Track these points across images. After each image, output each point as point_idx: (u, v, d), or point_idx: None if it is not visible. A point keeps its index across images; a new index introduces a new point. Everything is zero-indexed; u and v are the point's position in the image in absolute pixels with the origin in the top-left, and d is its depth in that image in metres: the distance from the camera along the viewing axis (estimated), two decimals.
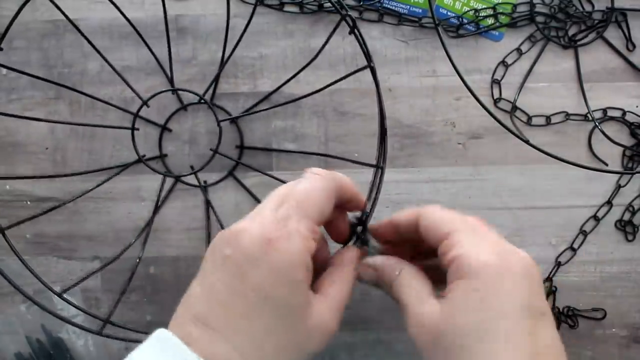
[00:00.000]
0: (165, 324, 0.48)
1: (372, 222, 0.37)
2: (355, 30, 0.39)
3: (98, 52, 0.45)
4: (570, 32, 0.48)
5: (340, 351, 0.49)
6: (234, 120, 0.49)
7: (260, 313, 0.28)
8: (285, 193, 0.31)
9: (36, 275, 0.42)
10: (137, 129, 0.47)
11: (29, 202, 0.49)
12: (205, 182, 0.49)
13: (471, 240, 0.29)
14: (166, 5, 0.48)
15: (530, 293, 0.27)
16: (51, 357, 0.49)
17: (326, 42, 0.43)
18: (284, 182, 0.48)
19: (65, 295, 0.44)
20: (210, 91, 0.48)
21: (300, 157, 0.49)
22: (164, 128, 0.49)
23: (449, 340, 0.27)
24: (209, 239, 0.49)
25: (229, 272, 0.28)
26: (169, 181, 0.49)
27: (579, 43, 0.48)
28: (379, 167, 0.37)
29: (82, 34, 0.45)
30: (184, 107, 0.49)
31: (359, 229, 0.36)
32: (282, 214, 0.29)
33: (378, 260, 0.34)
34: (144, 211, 0.49)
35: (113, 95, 0.49)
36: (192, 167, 0.49)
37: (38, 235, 0.50)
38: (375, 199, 0.37)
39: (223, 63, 0.47)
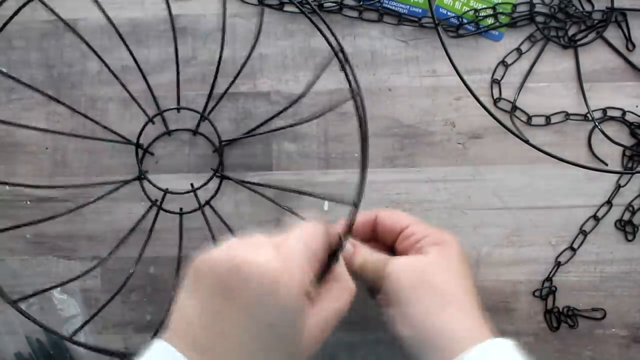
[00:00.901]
0: (164, 324, 0.48)
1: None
2: (346, 68, 0.40)
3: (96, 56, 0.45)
4: (570, 32, 0.48)
5: (341, 351, 0.49)
6: (217, 149, 0.48)
7: (263, 343, 0.30)
8: (285, 232, 0.34)
9: None
10: (142, 145, 0.47)
11: (29, 202, 0.49)
12: (181, 209, 0.49)
13: (428, 226, 0.41)
14: (164, 5, 0.48)
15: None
16: (51, 357, 0.49)
17: (317, 78, 0.43)
18: (268, 197, 0.48)
19: (64, 296, 0.44)
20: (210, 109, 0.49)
21: (300, 158, 0.49)
22: (145, 150, 0.49)
23: (435, 278, 0.37)
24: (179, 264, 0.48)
25: (235, 306, 0.29)
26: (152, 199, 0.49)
27: (578, 43, 0.48)
28: (354, 205, 0.39)
29: (80, 36, 0.45)
30: (167, 133, 0.49)
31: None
32: (285, 252, 0.31)
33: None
34: (144, 211, 0.49)
35: (113, 95, 0.49)
36: (192, 185, 0.49)
37: (38, 235, 0.50)
38: (349, 232, 0.39)
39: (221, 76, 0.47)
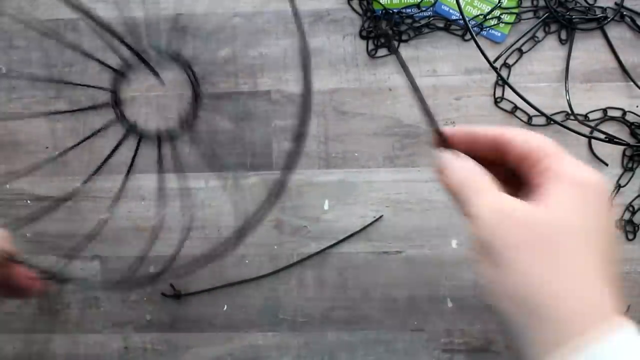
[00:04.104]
0: (164, 323, 0.48)
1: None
2: None
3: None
4: (572, 33, 0.48)
5: (341, 351, 0.49)
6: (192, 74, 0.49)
7: None
8: None
9: None
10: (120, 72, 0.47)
11: (29, 201, 0.49)
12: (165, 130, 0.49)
13: (569, 158, 0.29)
14: (165, 5, 0.48)
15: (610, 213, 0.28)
16: None
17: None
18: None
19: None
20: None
21: (300, 157, 0.49)
22: (119, 72, 0.49)
23: (546, 233, 0.26)
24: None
25: None
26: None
27: (580, 43, 0.48)
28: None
29: None
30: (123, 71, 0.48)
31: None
32: None
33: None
34: (144, 210, 0.49)
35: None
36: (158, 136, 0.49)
37: (38, 234, 0.50)
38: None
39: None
